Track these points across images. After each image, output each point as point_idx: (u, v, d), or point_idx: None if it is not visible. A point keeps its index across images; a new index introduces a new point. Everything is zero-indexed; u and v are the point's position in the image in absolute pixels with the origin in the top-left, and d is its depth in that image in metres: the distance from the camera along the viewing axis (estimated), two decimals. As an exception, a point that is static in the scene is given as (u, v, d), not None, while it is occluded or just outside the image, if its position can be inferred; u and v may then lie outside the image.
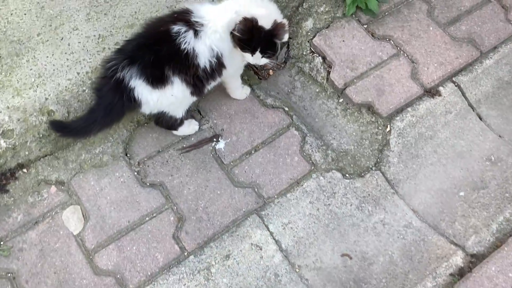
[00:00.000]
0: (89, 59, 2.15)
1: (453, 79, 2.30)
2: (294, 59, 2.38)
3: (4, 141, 1.96)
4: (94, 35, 2.22)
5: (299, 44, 2.37)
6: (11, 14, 2.27)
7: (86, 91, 2.08)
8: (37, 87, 2.07)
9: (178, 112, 1.95)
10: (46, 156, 2.03)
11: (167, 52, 1.73)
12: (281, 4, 2.35)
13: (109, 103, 1.76)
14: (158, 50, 1.72)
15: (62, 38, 2.21)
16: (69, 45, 2.19)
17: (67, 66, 2.13)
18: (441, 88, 2.27)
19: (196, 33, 1.75)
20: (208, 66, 1.80)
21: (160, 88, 1.77)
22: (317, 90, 2.30)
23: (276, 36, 1.81)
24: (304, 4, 2.39)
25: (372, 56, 2.30)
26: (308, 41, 2.36)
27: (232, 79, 2.11)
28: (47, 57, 2.15)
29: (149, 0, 2.32)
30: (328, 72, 2.29)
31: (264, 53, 1.85)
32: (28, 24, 2.24)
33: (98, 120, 1.77)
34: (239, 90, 2.19)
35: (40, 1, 2.31)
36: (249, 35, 1.78)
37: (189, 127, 2.10)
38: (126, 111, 1.82)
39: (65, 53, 2.17)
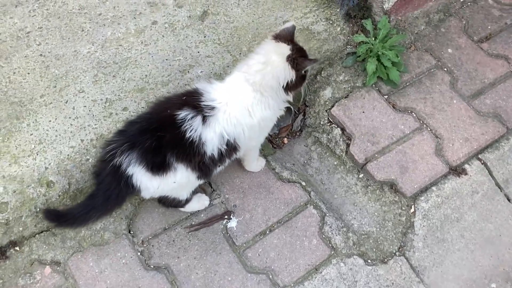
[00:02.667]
0: (95, 125, 2.02)
1: (479, 156, 2.17)
2: (310, 128, 2.25)
3: (-3, 216, 1.79)
4: (101, 99, 2.09)
5: (316, 113, 2.25)
6: (14, 73, 2.14)
7: (90, 160, 1.93)
8: (37, 154, 1.92)
9: (182, 194, 1.80)
10: (42, 232, 1.86)
11: (170, 139, 1.59)
12: (299, 71, 2.24)
13: (107, 190, 1.61)
14: (160, 136, 1.58)
15: (67, 101, 2.07)
16: (73, 108, 2.05)
17: (71, 132, 1.99)
18: (467, 166, 2.14)
19: (204, 119, 1.62)
20: (216, 154, 1.67)
21: (161, 175, 1.62)
22: (335, 163, 2.16)
23: (292, 35, 1.77)
24: (322, 72, 2.28)
25: (394, 130, 2.17)
26: (326, 111, 2.24)
27: (252, 152, 1.97)
28: (50, 121, 2.01)
29: (161, 63, 2.21)
30: (348, 145, 2.15)
31: None
32: (31, 84, 2.11)
33: (97, 207, 1.61)
34: (254, 162, 2.04)
35: (45, 60, 2.19)
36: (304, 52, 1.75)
37: (199, 203, 1.94)
38: (125, 197, 1.67)
39: (69, 117, 2.03)
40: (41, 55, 2.21)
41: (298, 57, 1.67)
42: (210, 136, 1.64)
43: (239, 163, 2.04)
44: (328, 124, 2.22)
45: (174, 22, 2.35)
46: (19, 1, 2.38)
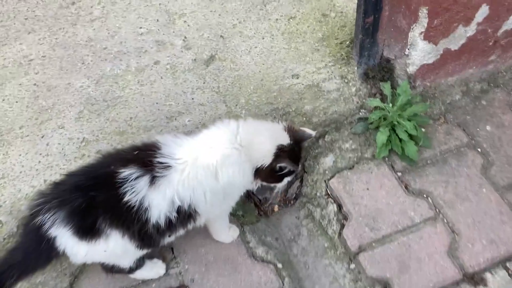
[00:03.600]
0: (63, 165, 1.87)
1: (507, 264, 1.74)
2: (305, 198, 1.95)
3: None
4: (78, 138, 1.94)
5: (313, 182, 1.95)
6: (3, 100, 2.08)
7: (47, 203, 1.76)
8: (-5, 190, 1.79)
9: (122, 263, 1.56)
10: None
11: (104, 200, 1.37)
12: (298, 132, 1.97)
13: (26, 248, 1.42)
14: (93, 196, 1.36)
15: (43, 136, 1.95)
16: (47, 145, 1.92)
17: (36, 169, 1.85)
18: (488, 275, 1.72)
19: (153, 181, 1.39)
20: (162, 221, 1.42)
21: (89, 241, 1.40)
22: (326, 245, 1.83)
23: (302, 139, 1.62)
24: (326, 136, 1.98)
25: (401, 216, 1.81)
26: (325, 181, 1.93)
27: (218, 221, 1.71)
28: (20, 155, 1.90)
29: (150, 106, 2.04)
30: (342, 226, 1.82)
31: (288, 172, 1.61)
32: (15, 113, 2.03)
33: (16, 265, 1.42)
34: (224, 232, 1.77)
35: (37, 89, 2.11)
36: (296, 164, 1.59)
37: (152, 270, 1.69)
38: (50, 259, 1.46)
39: (40, 154, 1.90)
40: (35, 84, 2.13)
41: (282, 153, 1.51)
42: (156, 200, 1.40)
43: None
44: (325, 197, 1.91)
45: (176, 64, 2.19)
46: (33, 28, 2.35)
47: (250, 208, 1.95)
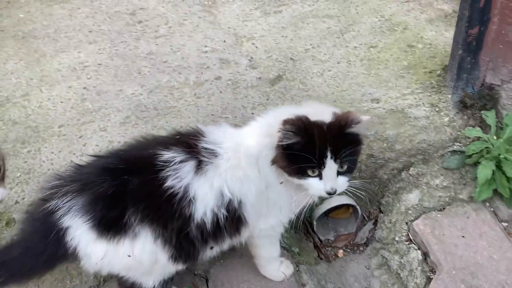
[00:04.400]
0: (96, 168, 1.60)
1: None
2: (379, 243, 1.55)
3: None
4: (119, 141, 1.71)
5: (391, 223, 1.56)
6: (48, 99, 1.91)
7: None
8: (16, 184, 1.56)
9: (146, 281, 1.20)
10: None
11: (138, 187, 1.06)
12: (376, 160, 1.63)
13: (29, 239, 1.11)
14: (125, 180, 1.06)
15: (82, 136, 1.74)
16: (84, 145, 1.70)
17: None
18: None
19: (199, 166, 1.09)
20: (209, 220, 1.09)
21: (111, 239, 1.07)
22: (405, 303, 1.39)
23: (348, 124, 1.11)
24: (411, 169, 1.62)
25: (509, 275, 1.36)
26: (407, 223, 1.53)
27: (267, 243, 1.33)
28: (52, 153, 1.67)
29: (204, 117, 1.80)
30: (429, 279, 1.39)
31: (341, 162, 1.11)
32: (57, 113, 1.85)
33: (8, 263, 1.10)
34: (274, 266, 1.39)
35: (86, 93, 1.94)
36: (306, 136, 1.08)
37: None
38: (53, 260, 1.13)
39: (74, 153, 1.67)
40: (84, 88, 1.97)
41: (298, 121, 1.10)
42: (203, 190, 1.09)
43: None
44: (406, 242, 1.50)
45: (239, 81, 1.97)
46: (95, 40, 2.25)
47: (309, 248, 1.58)
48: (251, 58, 2.10)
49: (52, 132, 1.76)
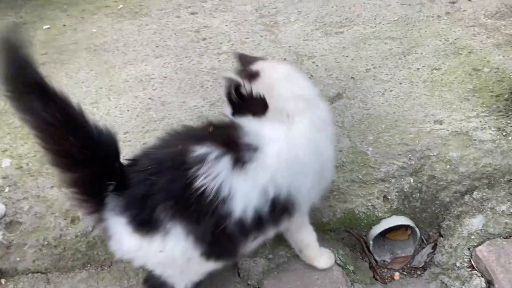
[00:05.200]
0: (158, 173, 1.65)
1: None
2: (439, 268, 1.50)
3: (3, 234, 1.48)
4: (180, 150, 1.75)
5: (452, 248, 1.50)
6: (115, 107, 2.00)
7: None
8: (83, 185, 1.62)
9: (179, 282, 1.20)
10: (37, 272, 1.46)
11: (166, 185, 1.07)
12: (438, 182, 1.58)
13: None
14: (154, 181, 1.07)
15: (145, 143, 1.79)
16: (146, 151, 1.75)
17: (129, 173, 1.66)
18: None
19: (237, 163, 1.08)
20: (249, 217, 1.09)
21: (144, 235, 1.09)
22: (465, 332, 1.32)
23: None
24: (475, 192, 1.56)
25: None
26: (469, 249, 1.47)
27: (303, 222, 1.33)
28: (117, 157, 1.73)
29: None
30: (492, 309, 1.32)
31: None
32: (123, 120, 1.92)
33: None
34: (317, 250, 1.39)
35: (150, 103, 2.02)
36: None
37: None
38: None
39: (136, 158, 1.72)
40: (150, 98, 2.05)
41: None
42: (243, 189, 1.08)
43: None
44: (468, 268, 1.44)
45: (299, 97, 1.98)
46: (161, 54, 2.35)
47: (364, 267, 1.54)
48: (311, 75, 2.11)
49: (118, 138, 1.83)
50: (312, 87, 1.32)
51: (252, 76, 1.29)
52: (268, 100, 1.22)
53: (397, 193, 1.59)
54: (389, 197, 1.57)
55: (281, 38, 2.43)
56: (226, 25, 2.58)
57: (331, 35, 2.40)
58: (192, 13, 2.70)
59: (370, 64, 2.14)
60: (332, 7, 2.64)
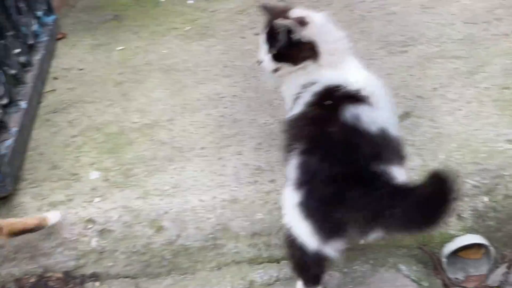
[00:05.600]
0: (235, 186, 1.76)
1: None
2: (516, 288, 1.49)
3: (97, 241, 1.61)
4: (254, 165, 1.85)
5: (531, 268, 1.49)
6: (191, 124, 2.13)
7: (212, 219, 1.63)
8: (166, 197, 1.75)
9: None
10: (127, 277, 1.58)
11: None
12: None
13: None
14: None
15: (221, 158, 1.90)
16: (223, 166, 1.86)
17: (208, 186, 1.77)
18: None
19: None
20: None
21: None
22: None
23: None
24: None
25: None
26: (549, 269, 1.46)
27: None
28: (195, 171, 1.85)
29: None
30: None
31: None
32: (199, 136, 2.04)
33: None
34: None
35: (222, 120, 2.12)
36: None
37: None
38: None
39: (214, 173, 1.83)
40: (221, 116, 2.16)
41: None
42: None
43: None
44: (547, 289, 1.43)
45: (366, 116, 2.03)
46: (230, 74, 2.47)
47: (437, 285, 1.56)
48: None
49: (195, 153, 1.94)
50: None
51: (302, 22, 1.34)
52: (319, 45, 1.33)
53: (471, 212, 1.60)
54: (462, 215, 1.59)
55: (345, 58, 2.49)
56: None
57: (395, 54, 2.44)
58: (256, 34, 2.82)
59: (437, 83, 2.16)
60: (395, 26, 2.68)
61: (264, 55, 1.45)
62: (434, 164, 1.73)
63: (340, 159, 1.16)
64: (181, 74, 2.52)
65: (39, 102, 2.34)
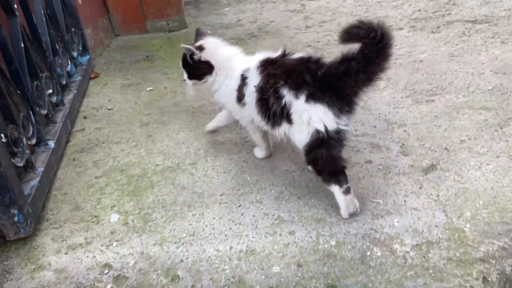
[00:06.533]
0: (252, 237, 1.73)
1: None
2: None
3: (111, 287, 1.60)
4: (273, 215, 1.82)
5: None
6: (213, 168, 2.13)
7: (227, 271, 1.60)
8: (182, 244, 1.73)
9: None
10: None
11: None
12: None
13: None
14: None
15: (240, 205, 1.88)
16: (242, 214, 1.84)
17: (225, 235, 1.75)
18: None
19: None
20: None
21: None
22: None
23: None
24: None
25: None
26: None
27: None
28: (214, 218, 1.84)
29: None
30: None
31: None
32: (219, 182, 2.04)
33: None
34: None
35: (245, 166, 2.12)
36: None
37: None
38: None
39: (233, 221, 1.81)
40: (244, 161, 2.17)
41: None
42: None
43: None
44: None
45: (390, 167, 2.00)
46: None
47: None
48: (403, 144, 2.13)
49: (215, 199, 1.94)
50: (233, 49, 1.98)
51: (200, 48, 1.93)
52: (212, 63, 1.92)
53: (498, 275, 1.52)
54: (489, 279, 1.51)
55: (370, 105, 2.48)
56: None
57: (422, 103, 2.41)
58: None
59: (465, 135, 2.11)
60: (422, 75, 2.66)
61: (184, 75, 2.01)
62: (459, 222, 1.66)
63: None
64: (207, 116, 2.55)
65: (67, 141, 2.40)
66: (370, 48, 1.49)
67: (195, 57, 1.91)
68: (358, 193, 1.87)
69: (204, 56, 1.91)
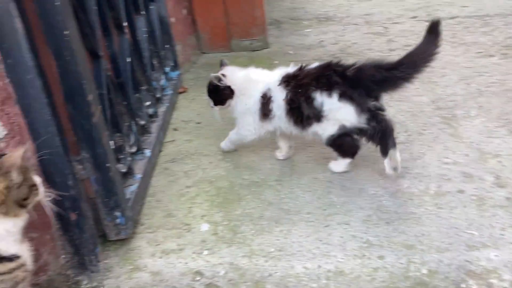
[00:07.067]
0: (341, 258, 1.74)
1: None
2: None
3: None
4: (361, 238, 1.82)
5: None
6: (298, 186, 2.17)
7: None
8: (271, 259, 1.77)
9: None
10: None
11: None
12: None
13: None
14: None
15: (327, 225, 1.90)
16: (329, 235, 1.85)
17: (313, 253, 1.77)
18: None
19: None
20: None
21: None
22: None
23: None
24: None
25: None
26: None
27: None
28: (301, 236, 1.86)
29: (447, 229, 1.80)
30: None
31: None
32: (305, 200, 2.07)
33: None
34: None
35: (330, 186, 2.14)
36: None
37: None
38: None
39: (320, 240, 1.83)
40: (328, 181, 2.18)
41: None
42: None
43: None
44: None
45: (485, 198, 1.93)
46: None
47: None
48: (498, 176, 2.05)
49: (301, 217, 1.96)
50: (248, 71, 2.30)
51: (223, 75, 2.24)
52: (233, 87, 2.24)
53: None
54: None
55: (461, 133, 2.42)
56: (402, 115, 2.66)
57: (517, 133, 2.32)
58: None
59: None
60: (517, 104, 2.56)
61: (210, 102, 2.33)
62: None
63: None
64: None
65: (160, 151, 2.54)
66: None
67: (222, 83, 2.22)
68: (450, 222, 1.83)
69: (226, 82, 2.22)
